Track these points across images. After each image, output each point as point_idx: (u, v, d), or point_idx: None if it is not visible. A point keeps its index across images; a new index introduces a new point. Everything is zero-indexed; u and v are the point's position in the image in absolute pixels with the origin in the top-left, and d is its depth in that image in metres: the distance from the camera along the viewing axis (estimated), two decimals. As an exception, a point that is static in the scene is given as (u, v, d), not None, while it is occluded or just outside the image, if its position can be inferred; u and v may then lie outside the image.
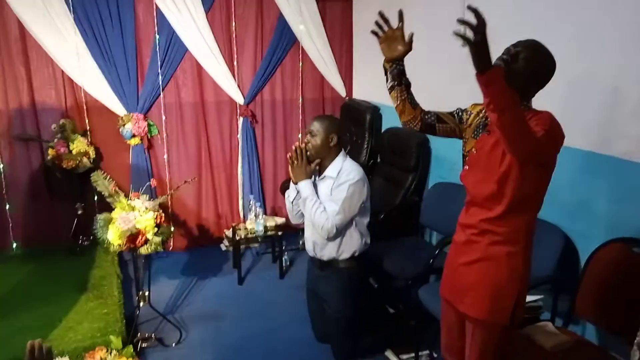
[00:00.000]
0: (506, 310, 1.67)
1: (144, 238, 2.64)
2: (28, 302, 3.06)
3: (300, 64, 4.37)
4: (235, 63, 4.14)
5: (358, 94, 4.53)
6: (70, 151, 3.65)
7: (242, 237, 3.74)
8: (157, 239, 2.70)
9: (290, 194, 2.44)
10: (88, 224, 3.26)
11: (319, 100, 4.53)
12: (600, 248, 2.12)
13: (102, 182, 2.79)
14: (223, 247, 4.28)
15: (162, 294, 3.46)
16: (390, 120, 3.85)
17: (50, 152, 3.64)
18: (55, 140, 3.65)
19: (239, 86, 4.17)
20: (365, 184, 2.28)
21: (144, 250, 2.68)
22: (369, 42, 1.74)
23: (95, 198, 3.84)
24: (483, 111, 1.72)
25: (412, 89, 1.79)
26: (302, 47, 4.30)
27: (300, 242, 4.08)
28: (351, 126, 4.18)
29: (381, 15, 1.69)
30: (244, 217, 4.38)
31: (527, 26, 2.44)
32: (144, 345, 2.88)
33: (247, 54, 4.17)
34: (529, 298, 1.99)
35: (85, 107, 3.84)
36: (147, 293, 3.01)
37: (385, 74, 1.77)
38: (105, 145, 3.96)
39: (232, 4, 4.02)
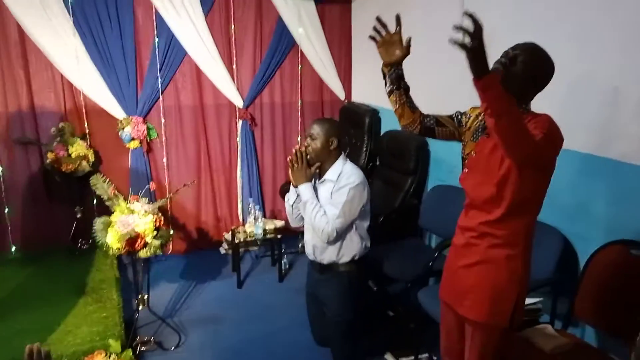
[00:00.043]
0: (505, 313, 1.67)
1: (143, 241, 2.64)
2: (27, 306, 3.06)
3: (300, 67, 4.37)
4: (234, 66, 4.14)
5: (357, 96, 4.54)
6: (70, 155, 3.65)
7: (242, 240, 3.74)
8: (156, 243, 2.70)
9: (290, 197, 2.43)
10: (87, 228, 3.26)
11: (318, 103, 4.54)
12: (599, 250, 2.13)
13: (101, 186, 2.79)
14: (222, 251, 4.27)
15: (161, 297, 3.46)
16: (389, 123, 3.86)
17: (50, 155, 3.64)
18: (55, 143, 3.65)
19: (238, 89, 4.18)
20: (366, 187, 2.28)
21: (143, 253, 2.68)
22: (368, 45, 1.74)
23: (95, 201, 3.83)
24: (482, 114, 1.72)
25: (412, 92, 1.80)
26: (301, 50, 4.30)
27: (300, 245, 4.08)
28: (350, 129, 4.19)
29: (379, 20, 1.69)
30: (243, 220, 4.38)
31: (527, 26, 2.46)
32: (143, 349, 2.87)
33: (246, 57, 4.18)
34: (528, 300, 1.99)
35: (84, 111, 3.84)
36: (146, 296, 3.01)
37: (384, 78, 1.78)
38: (105, 148, 3.96)
39: (231, 7, 4.03)
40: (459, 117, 1.82)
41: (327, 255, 2.33)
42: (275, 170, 4.51)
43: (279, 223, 3.92)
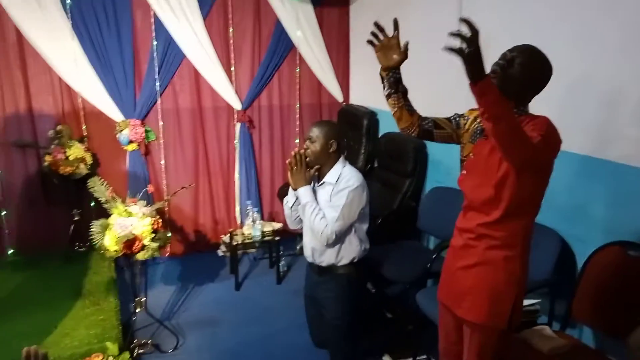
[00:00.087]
0: (504, 315, 1.67)
1: (140, 244, 2.64)
2: (24, 308, 3.04)
3: (298, 70, 4.38)
4: (232, 69, 4.15)
5: (355, 99, 4.54)
6: (67, 157, 3.64)
7: (239, 242, 3.74)
8: (154, 245, 2.69)
9: (289, 200, 2.43)
10: (85, 230, 3.24)
11: (316, 106, 4.54)
12: (597, 252, 2.13)
13: (99, 188, 2.79)
14: (220, 253, 4.26)
15: (159, 300, 3.45)
16: (387, 125, 3.87)
17: (47, 158, 3.63)
18: (52, 146, 3.64)
19: (236, 92, 4.18)
20: (365, 190, 2.28)
21: (140, 256, 2.68)
22: (366, 47, 1.74)
23: (92, 204, 3.82)
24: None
25: (410, 95, 1.80)
26: (299, 53, 4.32)
27: (298, 247, 4.08)
28: (348, 131, 4.19)
29: (376, 24, 1.70)
30: (241, 222, 4.37)
31: (525, 28, 2.46)
32: (140, 351, 2.87)
33: (244, 59, 4.19)
34: (526, 302, 2.00)
35: (82, 113, 3.84)
36: (143, 299, 3.00)
37: (382, 82, 1.78)
38: (103, 151, 3.95)
39: (229, 11, 4.04)
40: (457, 119, 1.83)
41: (326, 258, 2.33)
42: (273, 172, 4.52)
43: (277, 225, 3.93)
